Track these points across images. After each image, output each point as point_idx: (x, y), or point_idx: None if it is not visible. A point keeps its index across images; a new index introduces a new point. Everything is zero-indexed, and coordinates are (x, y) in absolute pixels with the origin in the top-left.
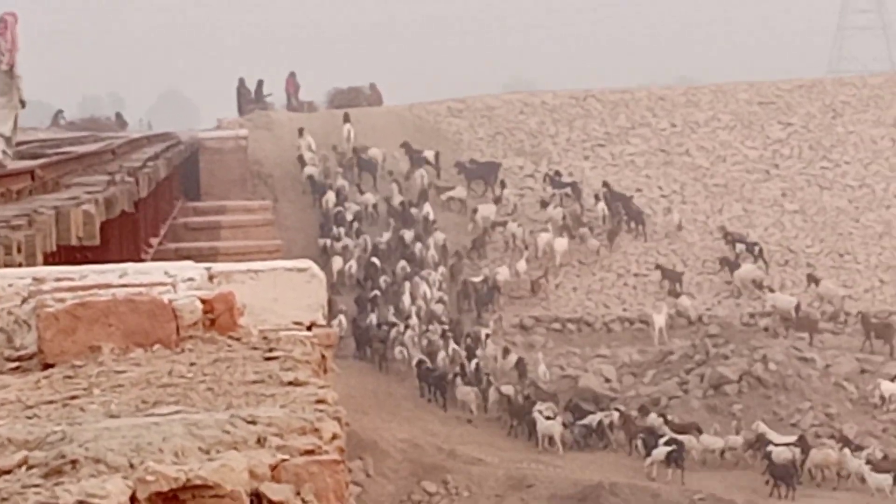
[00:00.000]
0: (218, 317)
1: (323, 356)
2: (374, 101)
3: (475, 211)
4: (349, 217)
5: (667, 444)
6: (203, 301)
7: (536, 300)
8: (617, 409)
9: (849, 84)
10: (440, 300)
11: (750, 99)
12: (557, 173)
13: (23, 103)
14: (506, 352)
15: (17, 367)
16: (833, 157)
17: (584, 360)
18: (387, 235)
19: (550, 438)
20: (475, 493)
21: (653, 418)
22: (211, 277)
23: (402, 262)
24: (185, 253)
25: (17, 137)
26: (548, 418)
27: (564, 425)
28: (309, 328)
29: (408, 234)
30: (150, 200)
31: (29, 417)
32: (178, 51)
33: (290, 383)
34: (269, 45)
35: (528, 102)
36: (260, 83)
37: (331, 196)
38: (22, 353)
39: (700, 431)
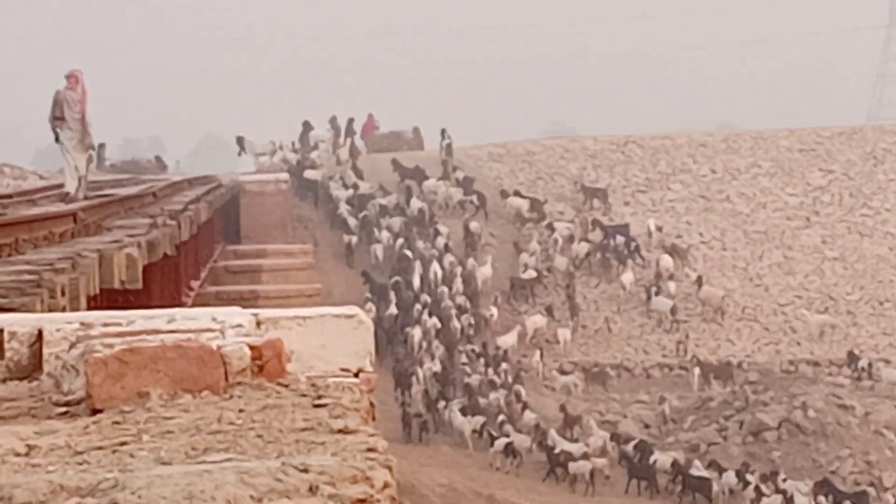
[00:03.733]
0: (266, 363)
1: (371, 404)
2: (415, 146)
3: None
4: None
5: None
6: (251, 347)
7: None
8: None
9: (890, 131)
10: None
11: (790, 146)
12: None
13: (92, 147)
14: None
15: (65, 412)
16: (874, 205)
17: (623, 405)
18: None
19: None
20: None
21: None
22: (258, 323)
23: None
24: (225, 296)
25: (89, 176)
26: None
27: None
28: (356, 375)
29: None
30: (191, 243)
31: (79, 464)
32: (218, 94)
33: (339, 431)
34: (310, 88)
35: (569, 148)
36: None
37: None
38: (70, 398)
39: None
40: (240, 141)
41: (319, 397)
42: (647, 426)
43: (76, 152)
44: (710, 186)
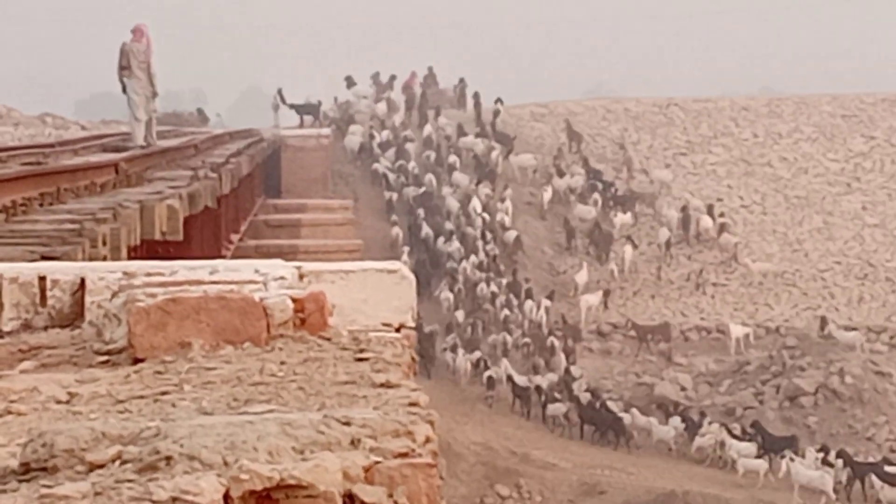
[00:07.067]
0: (308, 316)
1: (413, 359)
2: (456, 104)
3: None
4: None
5: None
6: (294, 300)
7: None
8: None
9: None
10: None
11: (833, 111)
12: None
13: (156, 95)
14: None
15: (106, 361)
16: None
17: (660, 367)
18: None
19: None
20: (547, 498)
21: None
22: (301, 276)
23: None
24: (264, 250)
25: (154, 124)
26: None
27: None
28: (398, 329)
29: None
30: (231, 197)
31: (121, 412)
32: (261, 48)
33: (381, 385)
34: (354, 43)
35: (611, 109)
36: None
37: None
38: (111, 346)
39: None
40: (279, 93)
41: (361, 351)
42: (683, 388)
43: (142, 102)
44: (752, 150)
